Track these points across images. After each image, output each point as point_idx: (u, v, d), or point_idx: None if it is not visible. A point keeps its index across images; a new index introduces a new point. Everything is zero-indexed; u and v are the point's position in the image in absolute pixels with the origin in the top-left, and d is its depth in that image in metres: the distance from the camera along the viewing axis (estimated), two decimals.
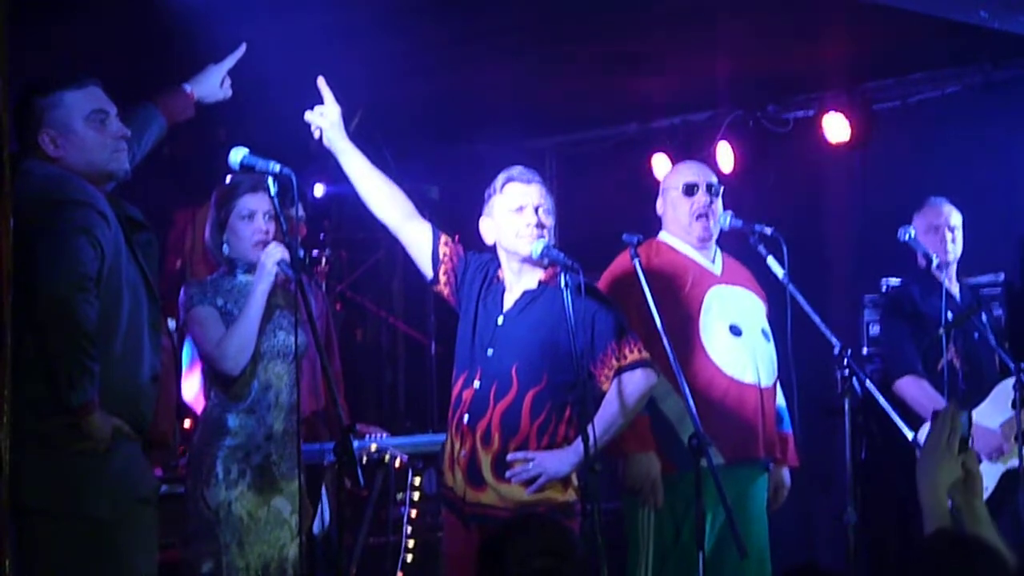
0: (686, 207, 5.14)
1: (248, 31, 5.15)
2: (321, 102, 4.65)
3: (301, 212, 5.98)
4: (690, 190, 5.15)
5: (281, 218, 4.34)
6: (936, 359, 5.96)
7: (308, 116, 4.65)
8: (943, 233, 6.13)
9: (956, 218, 6.20)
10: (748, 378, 5.00)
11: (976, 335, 6.03)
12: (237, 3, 5.46)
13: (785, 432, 5.17)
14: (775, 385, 5.12)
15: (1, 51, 3.17)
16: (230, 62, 4.72)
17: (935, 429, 3.02)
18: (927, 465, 3.00)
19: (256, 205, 4.87)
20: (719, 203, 5.18)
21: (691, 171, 5.24)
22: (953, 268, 6.14)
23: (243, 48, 4.74)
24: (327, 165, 4.73)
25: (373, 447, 5.72)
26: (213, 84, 4.69)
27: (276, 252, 4.79)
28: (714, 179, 5.20)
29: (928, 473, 3.00)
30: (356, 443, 4.98)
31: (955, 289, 6.14)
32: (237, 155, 4.28)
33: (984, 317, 5.94)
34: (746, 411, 4.97)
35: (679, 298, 4.99)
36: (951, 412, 3.02)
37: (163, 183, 6.95)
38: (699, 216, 5.13)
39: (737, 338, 5.03)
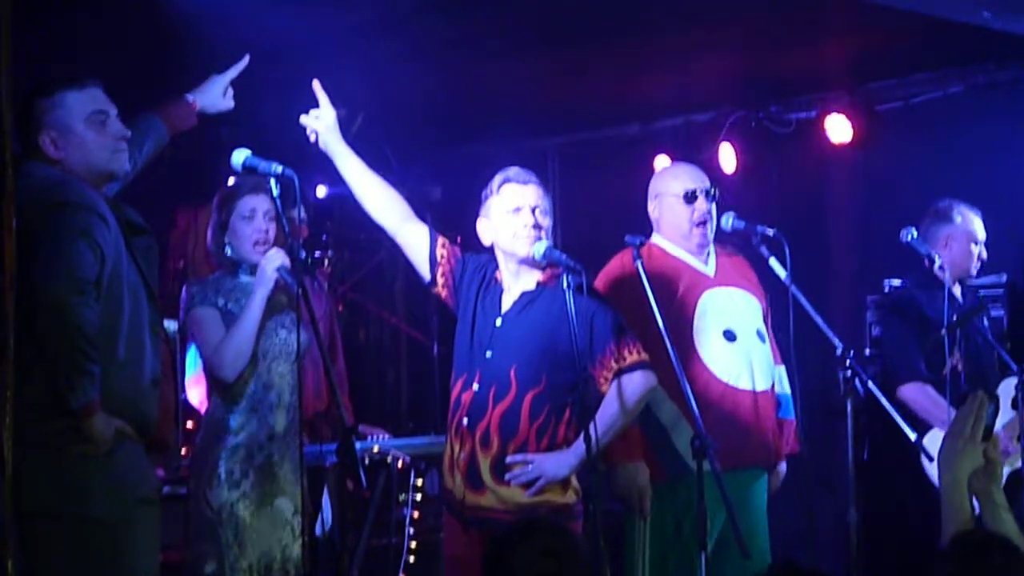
0: (686, 214, 5.12)
1: (250, 32, 5.16)
2: (317, 105, 4.65)
3: (303, 213, 5.98)
4: (691, 197, 5.13)
5: (283, 219, 4.34)
6: (940, 363, 5.94)
7: (304, 120, 4.66)
8: (980, 250, 6.13)
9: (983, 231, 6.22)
10: (743, 384, 5.00)
11: (980, 340, 6.02)
12: (240, 5, 5.46)
13: (784, 418, 5.17)
14: (772, 388, 5.11)
15: (4, 52, 3.17)
16: (233, 73, 4.72)
17: (960, 415, 3.02)
18: (949, 451, 3.01)
19: (257, 205, 4.88)
20: (714, 207, 5.17)
21: (690, 177, 5.19)
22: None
23: (246, 59, 4.74)
24: (329, 166, 4.73)
25: (375, 448, 5.72)
26: (216, 94, 4.69)
27: (276, 258, 4.79)
28: (709, 183, 5.19)
29: (950, 459, 3.01)
30: (358, 444, 4.98)
31: (957, 291, 6.12)
32: (239, 156, 4.30)
33: (985, 321, 5.92)
34: (741, 417, 4.97)
35: (672, 303, 4.97)
36: (979, 399, 3.02)
37: (165, 184, 6.95)
38: (700, 223, 5.12)
39: (731, 343, 5.02)
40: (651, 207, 5.24)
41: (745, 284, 5.19)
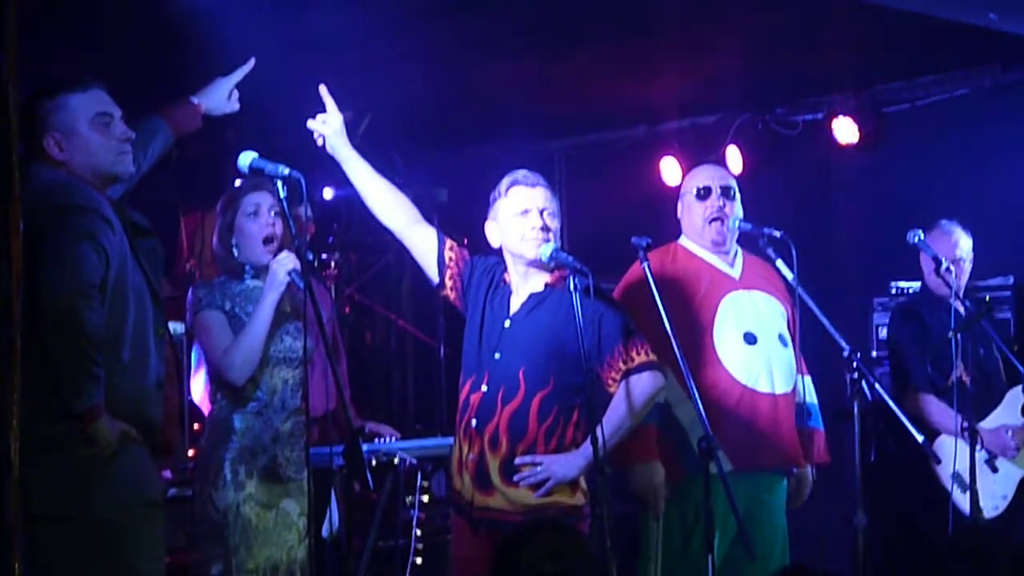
0: (699, 210, 5.13)
1: (256, 34, 5.16)
2: (324, 109, 4.66)
3: (309, 211, 5.98)
4: (703, 194, 5.14)
5: (290, 220, 4.33)
6: (946, 371, 5.93)
7: (311, 124, 4.67)
8: (948, 266, 6.00)
9: (965, 246, 6.09)
10: (762, 386, 4.98)
11: (982, 350, 6.00)
12: (245, 7, 5.47)
13: (813, 428, 5.17)
14: (793, 391, 5.09)
15: (11, 56, 3.18)
16: (238, 75, 4.71)
17: None
18: None
19: (260, 200, 4.87)
20: (736, 205, 5.15)
21: (704, 174, 5.22)
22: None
23: (252, 62, 4.73)
24: (336, 168, 4.73)
25: (382, 450, 5.72)
26: (221, 97, 4.69)
27: (288, 262, 4.78)
28: (730, 182, 5.18)
29: None
30: (365, 446, 4.98)
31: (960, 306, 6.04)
32: (246, 158, 4.29)
33: (989, 329, 5.89)
34: (759, 420, 4.95)
35: (692, 304, 4.98)
36: None
37: (173, 187, 6.97)
38: (712, 220, 5.12)
39: (751, 346, 5.00)
40: (678, 208, 5.26)
41: (771, 289, 5.17)
